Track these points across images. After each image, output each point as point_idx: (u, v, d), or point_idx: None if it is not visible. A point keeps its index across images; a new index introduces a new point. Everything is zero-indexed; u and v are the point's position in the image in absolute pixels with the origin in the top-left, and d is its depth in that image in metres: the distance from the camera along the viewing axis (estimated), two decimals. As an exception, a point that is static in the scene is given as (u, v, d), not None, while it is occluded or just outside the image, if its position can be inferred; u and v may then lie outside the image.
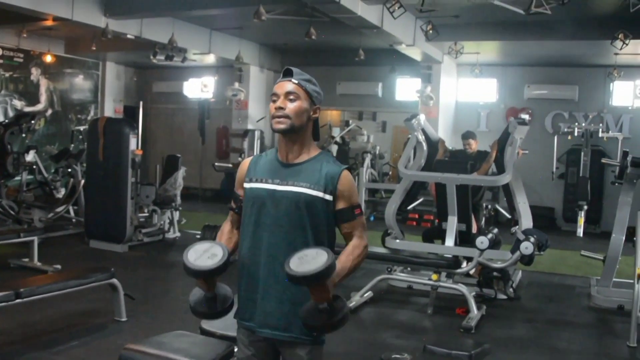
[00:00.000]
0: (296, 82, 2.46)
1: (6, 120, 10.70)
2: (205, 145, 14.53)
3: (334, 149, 16.60)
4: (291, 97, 2.45)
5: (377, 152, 14.98)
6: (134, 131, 8.58)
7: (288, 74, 2.49)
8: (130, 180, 8.50)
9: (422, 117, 7.46)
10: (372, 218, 12.46)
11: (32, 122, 9.91)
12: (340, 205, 2.48)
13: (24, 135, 10.31)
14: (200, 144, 14.48)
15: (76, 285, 5.10)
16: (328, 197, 2.46)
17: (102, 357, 4.67)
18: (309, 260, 2.21)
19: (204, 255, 2.36)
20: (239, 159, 12.91)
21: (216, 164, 10.39)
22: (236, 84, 13.92)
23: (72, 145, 11.22)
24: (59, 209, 9.34)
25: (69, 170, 9.87)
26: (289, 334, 2.48)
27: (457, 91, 13.60)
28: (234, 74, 14.14)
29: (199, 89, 15.21)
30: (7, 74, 12.82)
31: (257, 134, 13.53)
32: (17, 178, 9.95)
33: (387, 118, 17.07)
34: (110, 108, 15.28)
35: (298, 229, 2.44)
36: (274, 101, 2.47)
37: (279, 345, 2.53)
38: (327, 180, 2.46)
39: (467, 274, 6.68)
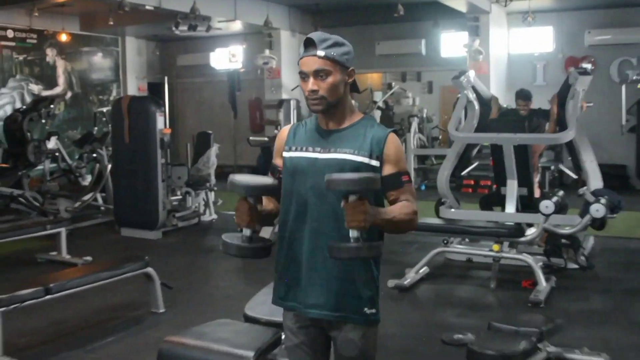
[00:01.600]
0: (322, 54, 2.38)
1: (24, 107, 10.87)
2: (238, 120, 14.58)
3: (377, 114, 16.53)
4: (321, 74, 2.39)
5: (425, 116, 14.87)
6: (160, 109, 8.62)
7: (311, 46, 2.40)
8: (160, 162, 8.55)
9: (471, 74, 7.35)
10: (423, 187, 12.34)
11: (51, 106, 10.02)
12: (387, 170, 2.43)
13: (43, 121, 10.41)
14: (232, 118, 14.56)
15: (108, 277, 5.15)
16: (374, 162, 2.42)
17: (140, 352, 4.71)
18: (351, 174, 2.25)
19: (252, 179, 2.44)
20: (275, 131, 12.89)
21: (251, 138, 10.37)
22: (267, 52, 13.88)
23: (96, 128, 11.35)
24: (86, 197, 9.45)
25: (94, 155, 9.99)
26: (339, 313, 2.44)
27: (508, 43, 13.32)
28: (263, 40, 14.09)
29: (227, 59, 15.17)
30: (20, 57, 12.98)
31: (292, 103, 13.46)
32: (40, 167, 10.10)
33: (433, 78, 16.91)
34: (134, 86, 15.40)
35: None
36: (304, 79, 2.43)
37: (329, 330, 2.50)
38: (372, 145, 2.42)
39: (533, 243, 6.56)
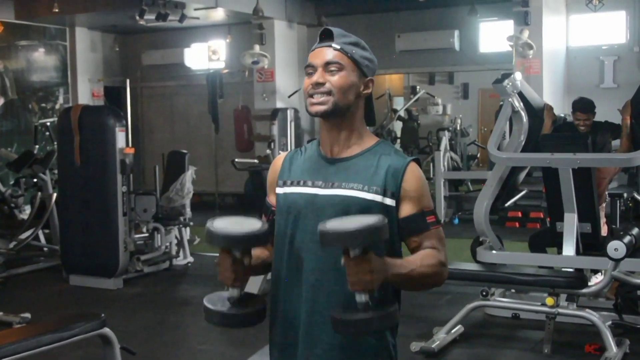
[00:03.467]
0: (338, 47, 2.47)
1: None
2: (220, 135, 14.65)
3: (398, 126, 16.65)
4: (332, 67, 2.46)
5: (459, 128, 14.93)
6: (120, 122, 8.69)
7: (327, 36, 2.50)
8: (121, 190, 8.60)
9: (517, 76, 7.36)
10: (456, 221, 12.39)
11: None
12: (407, 211, 2.47)
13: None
14: (213, 132, 14.62)
15: (53, 340, 5.11)
16: (389, 200, 2.46)
17: None
18: (352, 219, 2.23)
19: (236, 225, 2.38)
20: (267, 150, 13.03)
21: (236, 160, 10.47)
22: (256, 47, 13.98)
23: (37, 146, 11.37)
24: (23, 236, 9.50)
25: (34, 180, 10.04)
26: None
27: (567, 33, 13.41)
28: (252, 33, 14.23)
29: (206, 57, 15.33)
30: None
31: (289, 113, 13.61)
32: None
33: (470, 79, 16.99)
34: (86, 91, 15.49)
35: None
36: (310, 74, 2.49)
37: None
38: (387, 178, 2.46)
39: (599, 295, 6.55)
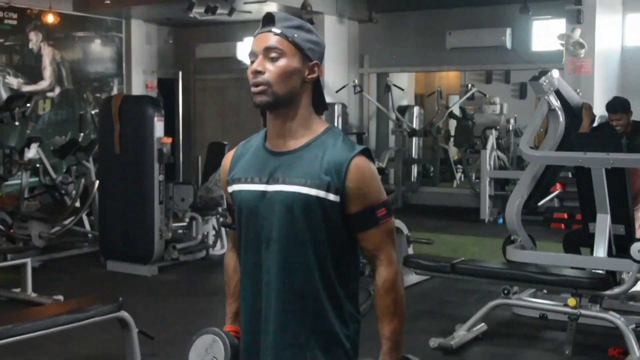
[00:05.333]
0: (279, 31, 2.42)
1: (-6, 105, 11.06)
2: (268, 128, 14.71)
3: (452, 125, 16.53)
4: (273, 54, 2.41)
5: (512, 127, 14.78)
6: (159, 112, 8.80)
7: (268, 21, 2.45)
8: (158, 179, 8.73)
9: (555, 74, 7.31)
10: (500, 220, 12.25)
11: (28, 105, 10.25)
12: (353, 207, 2.42)
13: (17, 123, 10.67)
14: (262, 126, 14.66)
15: (68, 321, 5.20)
16: (332, 197, 2.40)
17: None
18: None
19: (207, 357, 2.58)
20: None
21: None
22: (307, 42, 13.97)
23: (82, 134, 11.54)
24: (67, 221, 9.66)
25: (76, 167, 10.21)
26: None
27: (623, 33, 13.15)
28: (302, 28, 14.22)
29: (257, 51, 15.38)
30: (-4, 42, 13.24)
31: (337, 108, 13.58)
32: (16, 181, 10.34)
33: (526, 78, 16.71)
34: (140, 82, 15.65)
35: (295, 246, 2.42)
36: (251, 62, 2.44)
37: None
38: (330, 172, 2.40)
39: (623, 298, 6.46)
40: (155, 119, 8.70)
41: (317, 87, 2.51)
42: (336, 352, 2.47)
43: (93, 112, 12.57)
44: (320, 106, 2.53)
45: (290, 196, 2.40)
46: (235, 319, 2.69)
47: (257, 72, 2.40)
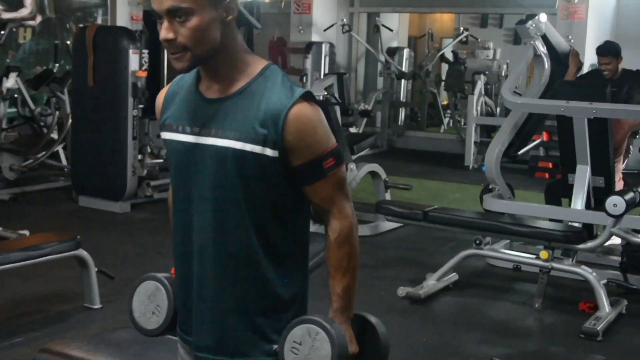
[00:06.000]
0: None
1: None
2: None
3: (444, 69, 16.34)
4: (178, 14, 2.09)
5: (503, 74, 14.59)
6: (135, 44, 8.58)
7: None
8: (132, 114, 8.53)
9: (542, 18, 7.18)
10: (484, 168, 12.11)
11: (2, 32, 10.02)
12: (296, 160, 2.18)
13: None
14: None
15: (22, 258, 5.12)
16: (270, 152, 2.16)
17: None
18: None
19: (150, 306, 2.48)
20: (299, 83, 12.85)
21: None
22: (294, -24, 13.77)
23: (57, 65, 11.30)
24: (39, 154, 9.49)
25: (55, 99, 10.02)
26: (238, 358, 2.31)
27: (619, -20, 12.97)
28: (291, -39, 14.00)
29: (245, -16, 15.13)
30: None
31: (324, 47, 13.34)
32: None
33: (519, 23, 16.57)
34: (125, 14, 15.31)
35: (229, 205, 2.22)
36: (160, 24, 2.14)
37: None
38: (266, 124, 2.15)
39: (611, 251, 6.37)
40: (130, 51, 8.47)
41: (241, 19, 2.23)
42: (280, 315, 2.30)
43: (68, 42, 12.32)
44: (245, 23, 2.28)
45: (223, 151, 2.17)
46: None
47: (169, 41, 2.11)
